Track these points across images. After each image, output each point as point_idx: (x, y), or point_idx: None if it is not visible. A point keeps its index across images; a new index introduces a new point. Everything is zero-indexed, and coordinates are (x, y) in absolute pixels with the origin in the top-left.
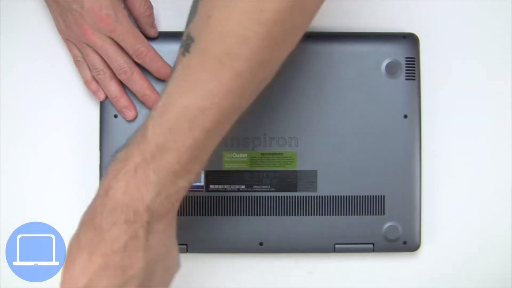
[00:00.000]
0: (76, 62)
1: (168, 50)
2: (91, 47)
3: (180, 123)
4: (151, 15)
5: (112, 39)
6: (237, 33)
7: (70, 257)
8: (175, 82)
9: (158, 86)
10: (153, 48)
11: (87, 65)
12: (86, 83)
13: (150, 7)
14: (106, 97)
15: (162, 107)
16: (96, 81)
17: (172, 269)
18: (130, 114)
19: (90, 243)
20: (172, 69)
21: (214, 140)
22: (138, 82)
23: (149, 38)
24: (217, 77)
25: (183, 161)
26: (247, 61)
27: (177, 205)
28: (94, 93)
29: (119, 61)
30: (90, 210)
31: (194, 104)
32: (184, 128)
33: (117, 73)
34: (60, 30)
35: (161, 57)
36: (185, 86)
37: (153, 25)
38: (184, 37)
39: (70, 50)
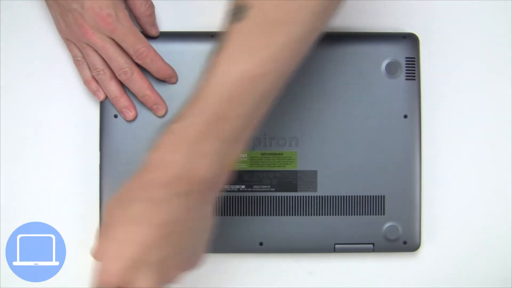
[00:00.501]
0: (76, 62)
1: (169, 50)
2: (91, 47)
3: (238, 91)
4: (152, 14)
5: (113, 39)
6: None
7: (114, 230)
8: (229, 50)
9: (158, 86)
10: (154, 49)
11: (87, 65)
12: (86, 83)
13: (151, 6)
14: (106, 97)
15: (216, 76)
16: (96, 81)
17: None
18: (130, 114)
19: (143, 215)
20: (221, 38)
21: (264, 107)
22: (138, 83)
23: (150, 38)
24: (272, 43)
25: (238, 129)
26: (302, 26)
27: (227, 177)
28: (93, 93)
29: (119, 61)
30: (137, 185)
31: (250, 71)
32: (242, 95)
33: (117, 73)
34: (60, 30)
35: (161, 58)
36: (239, 54)
37: (154, 24)
38: (233, 7)
39: (70, 50)
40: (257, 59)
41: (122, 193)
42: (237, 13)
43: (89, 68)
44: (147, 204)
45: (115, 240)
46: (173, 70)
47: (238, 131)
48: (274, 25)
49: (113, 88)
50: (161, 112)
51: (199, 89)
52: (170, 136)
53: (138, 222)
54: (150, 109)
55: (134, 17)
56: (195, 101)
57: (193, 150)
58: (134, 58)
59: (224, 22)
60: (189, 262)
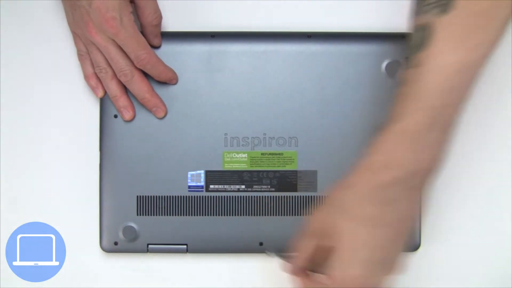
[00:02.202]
0: (80, 56)
1: (169, 50)
2: (95, 45)
3: (458, 79)
4: (158, 25)
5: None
6: None
7: (349, 235)
8: (441, 42)
9: (158, 87)
10: (155, 54)
11: (90, 60)
12: (86, 78)
13: (159, 17)
14: (104, 94)
15: (433, 69)
16: (96, 77)
17: None
18: (128, 115)
19: (375, 217)
20: (426, 32)
21: (470, 93)
22: (138, 85)
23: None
24: (484, 29)
25: (456, 116)
26: (508, 8)
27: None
28: (93, 89)
29: (120, 63)
30: (365, 186)
31: (467, 58)
32: (461, 83)
33: (118, 75)
34: (69, 22)
35: (162, 63)
36: (454, 43)
37: (158, 35)
38: (431, 1)
39: (76, 43)
40: (471, 46)
41: (348, 197)
42: (441, 5)
43: (92, 64)
44: (380, 205)
45: (351, 244)
46: (174, 72)
47: (456, 118)
48: (486, 11)
49: (114, 87)
50: (161, 114)
51: (411, 87)
52: (391, 136)
53: (373, 224)
54: (149, 110)
55: (140, 24)
56: (411, 99)
57: (419, 144)
58: (135, 63)
59: (418, 16)
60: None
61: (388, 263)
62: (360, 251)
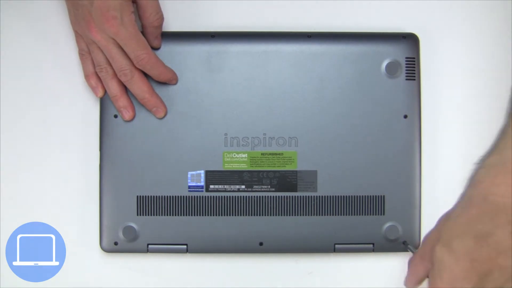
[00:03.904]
0: (81, 56)
1: (169, 50)
2: (96, 44)
3: None
4: (159, 26)
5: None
6: None
7: (443, 268)
8: None
9: (159, 87)
10: (155, 55)
11: (91, 60)
12: (86, 77)
13: (160, 18)
14: (104, 94)
15: None
16: (96, 76)
17: None
18: (128, 115)
19: (470, 251)
20: None
21: None
22: (137, 85)
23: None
24: None
25: None
26: None
27: None
28: (92, 88)
29: (120, 62)
30: (464, 220)
31: None
32: None
33: (118, 74)
34: (71, 21)
35: (162, 63)
36: None
37: (157, 37)
38: None
39: (77, 42)
40: None
41: (451, 229)
42: None
43: (93, 64)
44: (475, 240)
45: (448, 277)
46: (173, 73)
47: None
48: None
49: (114, 87)
50: (160, 115)
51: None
52: (490, 169)
53: (467, 258)
54: (149, 111)
55: (141, 25)
56: (507, 135)
57: None
58: (134, 63)
59: None
60: None
61: None
62: (457, 284)
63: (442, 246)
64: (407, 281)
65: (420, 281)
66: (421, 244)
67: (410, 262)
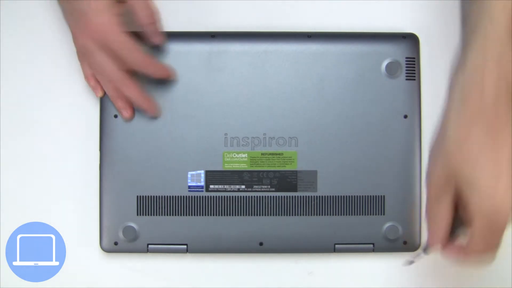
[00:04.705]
0: (79, 56)
1: (169, 50)
2: (89, 47)
3: None
4: (153, 23)
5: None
6: None
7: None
8: None
9: (159, 87)
10: (144, 55)
11: None
12: (86, 78)
13: (151, 14)
14: (104, 94)
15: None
16: (96, 77)
17: None
18: (126, 114)
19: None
20: None
21: None
22: (129, 89)
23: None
24: None
25: None
26: None
27: None
28: (92, 89)
29: (110, 66)
30: (472, 110)
31: None
32: None
33: (108, 78)
34: (69, 24)
35: (153, 62)
36: None
37: (156, 33)
38: None
39: (75, 43)
40: None
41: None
42: None
43: None
44: (481, 109)
45: (488, 174)
46: (167, 69)
47: None
48: None
49: (111, 89)
50: (155, 114)
51: (472, 32)
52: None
53: (483, 127)
54: (143, 113)
55: (139, 24)
56: (474, 39)
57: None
58: (125, 66)
59: None
60: None
61: None
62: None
63: (463, 156)
64: (435, 232)
65: (447, 225)
66: (428, 182)
67: (428, 212)
